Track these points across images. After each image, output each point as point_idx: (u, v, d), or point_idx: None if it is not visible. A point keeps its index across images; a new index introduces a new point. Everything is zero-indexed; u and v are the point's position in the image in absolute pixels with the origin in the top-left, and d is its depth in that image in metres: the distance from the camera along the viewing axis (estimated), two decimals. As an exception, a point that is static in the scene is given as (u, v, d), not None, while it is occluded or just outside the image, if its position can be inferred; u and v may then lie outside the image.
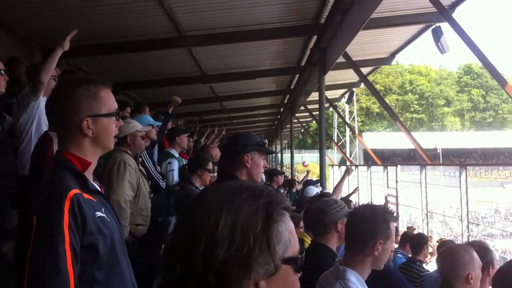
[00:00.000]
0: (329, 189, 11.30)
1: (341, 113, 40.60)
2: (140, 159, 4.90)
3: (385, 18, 8.90)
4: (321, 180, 10.45)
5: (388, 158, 53.47)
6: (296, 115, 19.19)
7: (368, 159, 39.11)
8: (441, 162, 34.04)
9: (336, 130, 59.68)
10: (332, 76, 13.29)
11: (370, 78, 18.71)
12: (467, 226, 8.55)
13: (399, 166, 12.43)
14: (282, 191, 10.55)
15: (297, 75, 13.57)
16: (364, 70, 13.39)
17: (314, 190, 9.27)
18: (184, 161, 6.79)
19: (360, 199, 14.04)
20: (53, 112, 2.03)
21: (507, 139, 63.35)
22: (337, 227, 3.29)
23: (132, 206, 4.50)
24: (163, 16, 7.34)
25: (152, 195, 5.03)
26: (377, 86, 71.27)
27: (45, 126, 4.14)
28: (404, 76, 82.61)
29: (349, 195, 10.20)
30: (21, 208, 3.73)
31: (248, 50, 10.57)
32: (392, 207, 11.15)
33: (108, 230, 1.90)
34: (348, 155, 41.77)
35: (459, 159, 55.81)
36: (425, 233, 8.98)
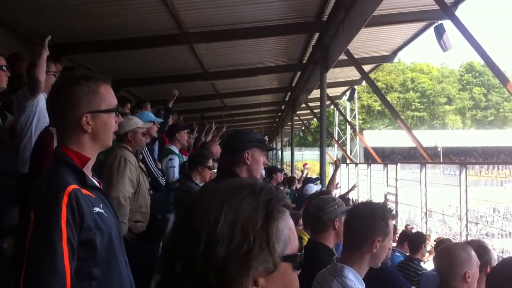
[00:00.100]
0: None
1: (342, 111, 40.48)
2: (140, 155, 4.90)
3: (387, 15, 8.88)
4: (321, 178, 10.45)
5: (388, 156, 53.45)
6: (297, 112, 19.17)
7: (369, 157, 39.08)
8: (441, 160, 33.98)
9: (337, 127, 59.54)
10: (334, 74, 13.27)
11: (372, 75, 18.70)
12: (466, 225, 8.55)
13: (399, 164, 12.41)
14: (281, 188, 10.55)
15: (299, 73, 13.55)
16: (366, 68, 13.37)
17: (314, 188, 9.28)
18: (185, 158, 6.80)
19: (359, 197, 14.04)
20: (53, 108, 2.04)
21: (508, 138, 63.24)
22: (334, 225, 3.29)
23: (131, 203, 4.50)
24: (165, 13, 7.33)
25: (151, 192, 5.04)
26: (379, 84, 71.23)
27: (45, 122, 4.14)
28: (405, 74, 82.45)
29: (347, 192, 10.20)
30: (22, 205, 3.74)
31: (250, 47, 10.56)
32: (391, 205, 11.15)
33: (106, 226, 1.91)
34: (348, 153, 41.77)
35: (459, 157, 55.71)
36: (424, 231, 8.98)
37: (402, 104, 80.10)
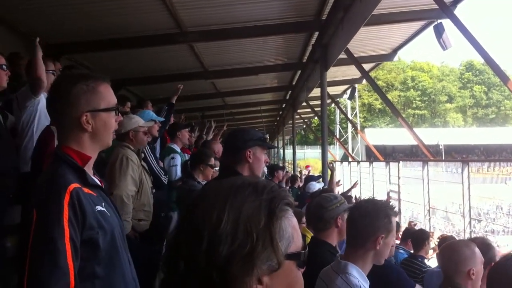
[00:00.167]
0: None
1: (343, 109, 40.52)
2: (142, 154, 4.90)
3: (387, 14, 8.89)
4: (323, 176, 10.45)
5: (390, 154, 53.42)
6: (298, 111, 19.18)
7: (370, 155, 39.10)
8: (443, 158, 34.00)
9: (338, 126, 59.61)
10: (334, 72, 13.27)
11: (372, 74, 18.70)
12: (469, 222, 8.54)
13: (401, 162, 12.39)
14: (284, 186, 10.57)
15: (299, 71, 13.56)
16: (366, 66, 13.36)
17: (316, 186, 9.28)
18: (187, 157, 6.79)
19: (362, 195, 14.04)
20: (53, 107, 2.04)
21: (509, 135, 63.21)
22: (337, 222, 3.28)
23: (134, 202, 4.50)
24: (164, 12, 7.34)
25: (154, 190, 5.04)
26: (379, 82, 71.19)
27: (46, 121, 4.13)
28: (406, 73, 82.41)
29: (349, 190, 10.20)
30: (23, 204, 3.73)
31: (250, 46, 10.57)
32: (394, 203, 11.15)
33: (108, 224, 1.90)
34: (350, 151, 41.75)
35: (461, 155, 55.76)
36: (427, 229, 8.98)
37: (403, 102, 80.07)
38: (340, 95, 21.45)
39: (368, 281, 2.43)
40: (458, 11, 8.45)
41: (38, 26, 7.27)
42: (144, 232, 4.73)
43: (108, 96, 2.02)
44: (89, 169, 2.00)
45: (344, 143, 48.69)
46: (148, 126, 4.96)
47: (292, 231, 1.03)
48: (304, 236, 4.11)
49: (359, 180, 14.34)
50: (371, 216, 2.45)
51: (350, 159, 21.82)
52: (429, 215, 10.21)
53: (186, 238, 1.00)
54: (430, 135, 50.93)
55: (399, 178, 11.94)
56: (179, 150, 6.46)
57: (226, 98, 16.98)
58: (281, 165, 18.46)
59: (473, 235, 8.12)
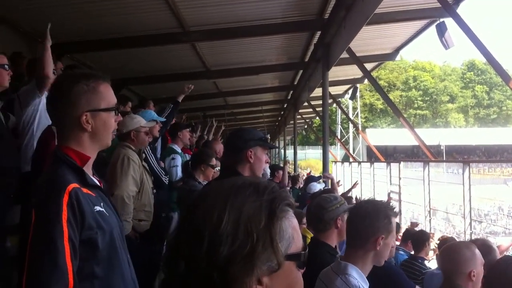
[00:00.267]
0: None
1: (345, 109, 40.52)
2: (143, 154, 4.90)
3: (389, 13, 8.88)
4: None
5: (391, 155, 53.38)
6: (300, 111, 19.17)
7: (371, 156, 39.06)
8: (444, 158, 33.96)
9: (339, 126, 59.53)
10: (336, 72, 13.26)
11: (374, 74, 18.70)
12: (470, 224, 8.54)
13: (402, 162, 12.40)
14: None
15: (301, 71, 13.56)
16: (368, 66, 13.35)
17: (317, 187, 9.27)
18: (188, 157, 6.79)
19: (363, 195, 14.04)
20: (53, 106, 2.03)
21: (511, 136, 63.09)
22: (336, 223, 3.28)
23: (135, 202, 4.50)
24: (166, 11, 7.34)
25: (155, 191, 5.04)
26: (381, 82, 71.10)
27: (47, 121, 4.12)
28: (408, 72, 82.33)
29: (349, 190, 10.20)
30: (23, 204, 3.73)
31: (252, 46, 10.57)
32: (394, 203, 11.15)
33: (107, 224, 1.90)
34: (351, 151, 41.74)
35: (462, 155, 55.70)
36: (428, 230, 8.98)
37: (404, 102, 79.99)
38: (342, 95, 21.44)
39: (368, 282, 2.43)
40: (461, 10, 8.45)
41: (39, 25, 7.27)
42: (145, 233, 4.72)
43: (108, 96, 2.02)
44: (88, 169, 2.00)
45: (345, 144, 48.66)
46: (150, 126, 4.95)
47: (293, 232, 1.03)
48: (304, 237, 4.11)
49: (360, 181, 14.34)
50: (371, 217, 2.45)
51: (351, 160, 21.82)
52: (430, 216, 10.21)
53: (186, 239, 1.00)
54: (432, 136, 50.89)
55: (400, 178, 11.95)
56: (179, 151, 6.46)
57: (227, 98, 16.98)
58: (281, 165, 18.47)
59: (473, 237, 8.12)
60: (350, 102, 49.06)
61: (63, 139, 1.99)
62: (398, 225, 7.97)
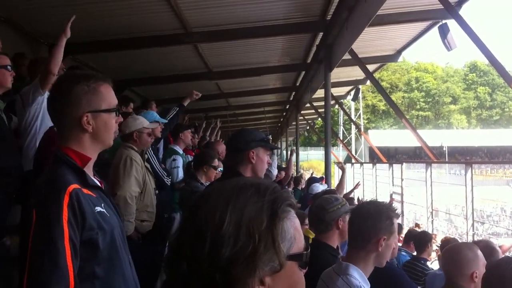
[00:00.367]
0: (334, 186, 11.29)
1: (347, 111, 40.48)
2: (146, 155, 4.91)
3: (392, 15, 8.86)
4: (326, 178, 10.44)
5: (393, 156, 53.33)
6: (302, 112, 19.16)
7: (374, 157, 39.02)
8: (447, 160, 33.91)
9: (341, 127, 59.58)
10: (338, 73, 13.26)
11: (376, 75, 18.64)
12: (472, 225, 8.53)
13: (404, 164, 12.40)
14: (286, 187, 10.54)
15: (303, 72, 13.53)
16: (370, 67, 13.35)
17: (320, 188, 9.26)
18: (190, 158, 6.79)
19: (365, 196, 14.03)
20: (53, 107, 2.03)
21: (513, 137, 63.04)
22: (338, 224, 3.27)
23: (137, 202, 4.51)
24: (169, 12, 7.34)
25: (157, 191, 5.04)
26: (383, 83, 71.08)
27: (49, 122, 4.10)
28: (410, 74, 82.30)
29: (351, 191, 10.19)
30: (24, 204, 3.73)
31: (254, 47, 10.56)
32: (397, 205, 11.14)
33: (108, 225, 1.90)
34: (353, 152, 41.69)
35: (465, 157, 55.60)
36: (430, 231, 8.97)
37: (407, 103, 79.97)
38: (344, 96, 21.41)
39: (369, 283, 2.43)
40: (463, 11, 8.43)
41: (42, 26, 7.29)
42: (147, 233, 4.73)
43: (109, 97, 2.02)
44: (89, 170, 2.00)
45: (347, 145, 48.70)
46: (153, 127, 4.96)
47: (294, 232, 1.04)
48: (307, 238, 4.10)
49: (362, 182, 14.33)
50: (373, 218, 2.45)
51: (353, 161, 21.80)
52: (432, 217, 10.20)
53: (188, 239, 1.00)
54: (434, 137, 50.84)
55: (402, 180, 11.95)
56: (181, 152, 6.46)
57: (229, 99, 16.98)
58: (284, 166, 18.47)
59: (476, 238, 8.11)
60: (352, 103, 48.98)
61: (63, 140, 1.98)
62: (400, 226, 7.97)
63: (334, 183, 12.90)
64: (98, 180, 2.05)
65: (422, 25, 10.46)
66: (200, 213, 1.01)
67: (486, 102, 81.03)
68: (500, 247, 4.64)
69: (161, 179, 5.37)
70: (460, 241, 6.80)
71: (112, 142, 2.09)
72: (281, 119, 25.74)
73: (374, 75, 13.68)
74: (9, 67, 3.76)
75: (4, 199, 3.68)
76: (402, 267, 5.66)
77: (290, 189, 11.16)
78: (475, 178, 8.78)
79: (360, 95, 33.09)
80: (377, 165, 16.03)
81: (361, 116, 63.16)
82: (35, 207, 1.78)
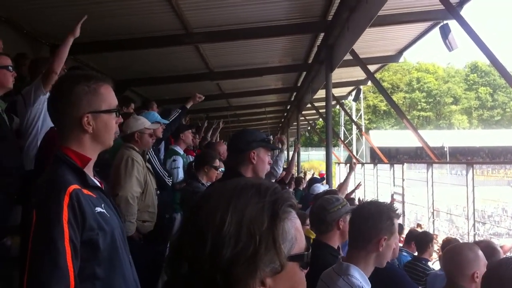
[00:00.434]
0: (335, 187, 11.29)
1: (348, 111, 40.46)
2: (147, 156, 4.91)
3: (393, 15, 8.86)
4: (328, 178, 10.44)
5: (394, 156, 53.28)
6: (303, 112, 19.17)
7: (375, 157, 38.99)
8: (448, 160, 33.90)
9: (342, 128, 59.53)
10: (339, 74, 13.25)
11: (377, 75, 18.65)
12: (473, 225, 8.52)
13: (405, 164, 12.39)
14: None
15: (304, 73, 13.54)
16: (371, 68, 13.35)
17: (321, 188, 9.26)
18: (191, 158, 6.79)
19: (366, 197, 14.02)
20: (54, 107, 2.03)
21: (514, 138, 62.96)
22: (339, 225, 3.26)
23: (139, 203, 4.51)
24: (170, 13, 7.34)
25: (158, 192, 5.04)
26: (384, 84, 71.07)
27: (51, 123, 4.07)
28: (411, 74, 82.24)
29: (352, 191, 10.18)
30: (24, 205, 3.73)
31: (255, 47, 10.56)
32: (398, 205, 11.13)
33: (108, 225, 1.90)
34: (354, 153, 41.67)
35: (466, 157, 55.52)
36: (431, 231, 8.96)
37: (408, 104, 79.91)
38: (345, 97, 21.42)
39: (370, 283, 2.43)
40: (464, 12, 8.43)
41: (42, 26, 7.29)
42: (148, 234, 4.73)
43: (109, 97, 2.02)
44: (89, 170, 2.00)
45: (348, 145, 48.62)
46: (154, 128, 4.96)
47: (295, 233, 1.04)
48: (308, 238, 4.10)
49: (363, 182, 14.32)
50: (373, 218, 2.45)
51: (354, 161, 21.79)
52: (433, 218, 10.19)
53: (189, 240, 1.00)
54: (435, 137, 50.83)
55: (403, 180, 11.94)
56: (181, 152, 6.45)
57: (230, 99, 16.98)
58: (285, 166, 18.45)
59: (477, 238, 8.10)
60: (353, 104, 49.01)
61: (63, 140, 1.98)
62: (401, 227, 7.96)
63: (335, 183, 12.91)
64: (98, 181, 2.04)
65: (423, 25, 10.46)
66: (201, 214, 1.01)
67: (487, 102, 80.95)
68: (501, 247, 4.64)
69: (162, 180, 5.37)
70: (461, 241, 6.80)
71: (112, 142, 2.09)
72: (282, 120, 25.75)
73: (375, 76, 13.65)
74: (10, 68, 3.75)
75: (5, 199, 3.67)
76: (403, 268, 5.65)
77: (291, 189, 11.16)
78: (476, 178, 8.78)
79: (361, 95, 33.09)
80: (378, 165, 16.03)
81: (362, 117, 63.09)
82: (35, 207, 1.78)
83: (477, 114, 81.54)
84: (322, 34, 9.56)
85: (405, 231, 7.76)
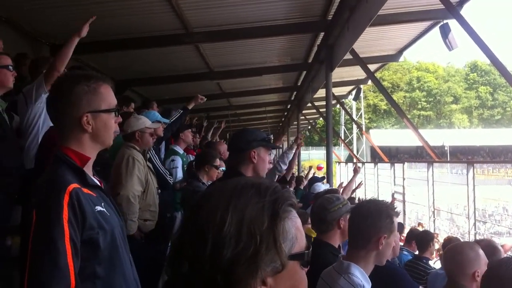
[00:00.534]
0: (336, 186, 11.27)
1: (348, 110, 40.42)
2: (147, 155, 4.91)
3: (393, 14, 8.87)
4: (328, 177, 10.44)
5: (395, 156, 53.26)
6: (303, 112, 19.16)
7: (375, 156, 38.97)
8: (448, 159, 33.89)
9: (343, 127, 59.47)
10: (339, 73, 13.26)
11: (378, 75, 18.66)
12: (474, 224, 8.52)
13: (406, 163, 12.39)
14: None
15: (304, 72, 13.54)
16: (372, 67, 13.35)
17: (322, 187, 9.25)
18: (191, 157, 6.79)
19: (366, 196, 14.01)
20: (53, 107, 2.03)
21: (515, 137, 62.90)
22: (339, 224, 3.26)
23: (140, 202, 4.52)
24: (170, 12, 7.34)
25: (159, 191, 5.05)
26: (385, 83, 71.00)
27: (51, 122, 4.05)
28: (411, 73, 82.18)
29: (353, 191, 10.18)
30: (24, 204, 3.73)
31: (255, 47, 10.56)
32: (399, 204, 11.13)
33: (108, 224, 1.90)
34: (355, 152, 41.64)
35: (466, 156, 55.53)
36: (432, 230, 8.95)
37: (408, 103, 79.82)
38: (345, 96, 21.42)
39: (370, 282, 2.43)
40: (464, 11, 8.43)
41: (43, 26, 7.29)
42: (150, 232, 4.74)
43: (109, 97, 2.02)
44: (88, 169, 2.00)
45: (349, 144, 48.58)
46: (155, 127, 4.96)
47: (296, 232, 1.04)
48: (308, 237, 4.10)
49: (364, 181, 14.30)
50: (373, 217, 2.45)
51: (354, 160, 21.78)
52: (434, 217, 10.19)
53: (190, 239, 1.00)
54: (435, 136, 50.72)
55: (403, 179, 11.94)
56: (181, 152, 6.45)
57: (231, 98, 16.98)
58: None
59: (477, 237, 8.09)
60: (353, 103, 48.96)
61: (63, 140, 1.99)
62: (402, 226, 7.96)
63: (336, 182, 12.90)
64: (98, 180, 2.05)
65: (423, 25, 10.46)
66: (201, 213, 1.01)
67: (487, 101, 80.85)
68: (502, 246, 4.64)
69: (164, 178, 5.36)
70: (462, 240, 6.80)
71: (111, 142, 2.09)
72: (283, 119, 25.74)
73: (375, 75, 13.66)
74: (10, 67, 3.75)
75: (5, 199, 3.67)
76: (404, 267, 5.65)
77: (292, 188, 11.16)
78: (477, 177, 8.78)
79: (362, 94, 33.08)
80: (379, 164, 16.03)
81: (363, 116, 62.98)
82: (35, 207, 1.79)
83: (477, 113, 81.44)
84: (322, 34, 9.56)
85: (406, 230, 7.76)
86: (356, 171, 8.26)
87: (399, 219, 2.65)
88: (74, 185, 1.83)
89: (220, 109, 17.95)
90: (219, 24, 8.32)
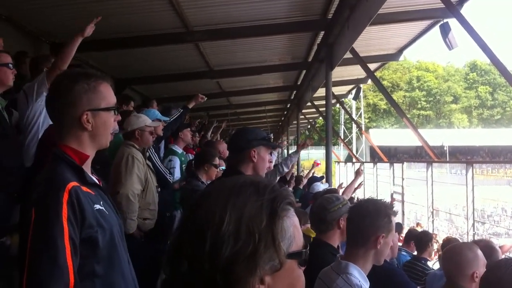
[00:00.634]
0: (335, 186, 11.27)
1: (348, 110, 40.40)
2: (147, 153, 4.91)
3: (393, 13, 8.86)
4: (327, 177, 10.44)
5: (394, 155, 53.27)
6: (303, 111, 19.17)
7: (375, 156, 38.96)
8: (448, 159, 33.88)
9: (342, 126, 59.53)
10: (339, 72, 13.25)
11: (377, 74, 18.66)
12: (473, 225, 8.52)
13: (405, 163, 12.37)
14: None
15: (304, 71, 13.54)
16: (371, 66, 13.34)
17: (321, 187, 9.25)
18: (190, 156, 6.78)
19: (365, 196, 14.00)
20: (52, 105, 2.03)
21: (515, 137, 62.91)
22: (339, 224, 3.26)
23: (140, 200, 4.51)
24: (170, 11, 7.34)
25: (159, 189, 5.04)
26: (384, 83, 70.97)
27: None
28: (411, 73, 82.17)
29: (354, 190, 10.17)
30: (23, 203, 3.72)
31: (255, 46, 10.56)
32: (398, 204, 11.13)
33: (107, 223, 1.90)
34: (354, 151, 41.66)
35: (466, 156, 55.51)
36: (431, 231, 8.95)
37: (408, 102, 79.83)
38: (345, 95, 21.42)
39: (368, 281, 2.43)
40: (464, 10, 8.42)
41: (44, 25, 7.29)
42: (149, 231, 4.73)
43: (108, 95, 2.02)
44: (87, 167, 2.00)
45: (348, 144, 48.59)
46: (155, 126, 4.96)
47: (294, 231, 1.04)
48: (306, 236, 4.10)
49: (363, 181, 14.29)
50: (371, 216, 2.45)
51: (354, 160, 21.78)
52: (433, 217, 10.19)
53: (189, 238, 1.00)
54: (435, 136, 50.72)
55: (403, 179, 11.92)
56: (180, 151, 6.44)
57: (231, 97, 16.97)
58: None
59: (476, 238, 8.08)
60: (353, 102, 48.97)
61: (62, 138, 1.98)
62: (400, 226, 7.95)
63: (335, 182, 12.90)
64: (96, 178, 2.05)
65: (423, 24, 10.46)
66: (200, 212, 1.01)
67: (487, 101, 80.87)
68: (500, 247, 4.64)
69: (164, 177, 5.36)
70: (460, 241, 6.79)
71: (109, 141, 2.09)
72: (282, 118, 25.76)
73: (375, 74, 13.66)
74: (10, 65, 3.74)
75: (5, 199, 3.66)
76: (403, 267, 5.64)
77: (291, 188, 11.15)
78: (476, 177, 8.76)
79: (361, 94, 33.09)
80: (378, 164, 16.00)
81: (362, 115, 63.06)
82: (34, 205, 1.78)
83: (477, 113, 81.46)
84: (322, 33, 9.57)
85: (405, 231, 7.75)
86: (358, 173, 8.23)
87: (398, 219, 2.65)
88: (73, 183, 1.83)
89: (220, 108, 17.96)
90: (219, 23, 8.31)
